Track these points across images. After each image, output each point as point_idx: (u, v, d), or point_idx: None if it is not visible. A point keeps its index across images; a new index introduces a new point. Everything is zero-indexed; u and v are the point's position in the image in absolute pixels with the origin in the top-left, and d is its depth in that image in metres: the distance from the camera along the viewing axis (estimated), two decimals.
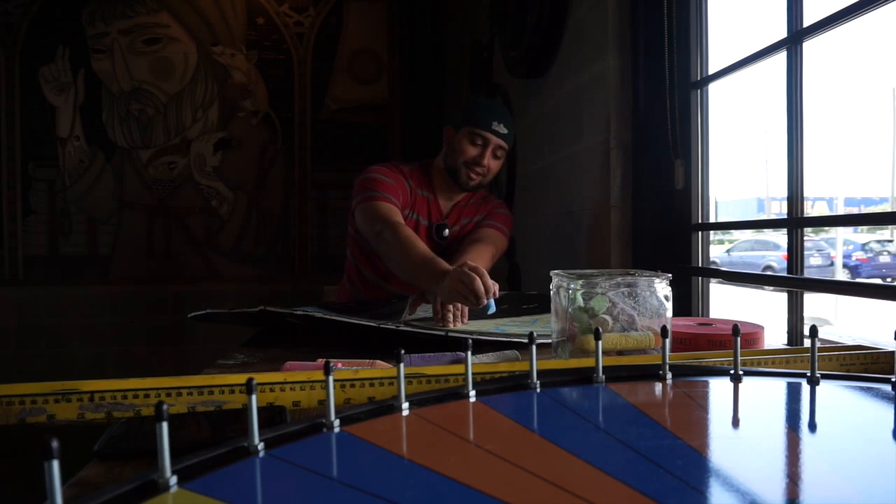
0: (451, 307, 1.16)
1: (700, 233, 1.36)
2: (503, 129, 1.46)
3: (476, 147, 1.47)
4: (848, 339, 0.90)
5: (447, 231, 1.55)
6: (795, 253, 1.09)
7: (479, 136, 1.46)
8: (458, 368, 0.63)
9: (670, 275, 0.80)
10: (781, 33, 1.07)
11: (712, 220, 1.39)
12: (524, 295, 1.54)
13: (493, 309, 1.03)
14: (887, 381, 0.57)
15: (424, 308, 1.33)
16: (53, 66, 3.20)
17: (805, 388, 0.56)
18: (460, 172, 1.49)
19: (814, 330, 0.56)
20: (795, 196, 1.07)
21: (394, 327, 0.99)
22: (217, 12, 3.29)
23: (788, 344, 1.08)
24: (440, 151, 1.56)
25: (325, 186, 3.39)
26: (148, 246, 3.30)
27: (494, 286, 1.05)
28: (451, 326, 1.14)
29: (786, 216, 1.09)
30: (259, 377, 0.59)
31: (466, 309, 1.19)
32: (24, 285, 3.23)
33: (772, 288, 2.14)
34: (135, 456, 0.49)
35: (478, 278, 1.03)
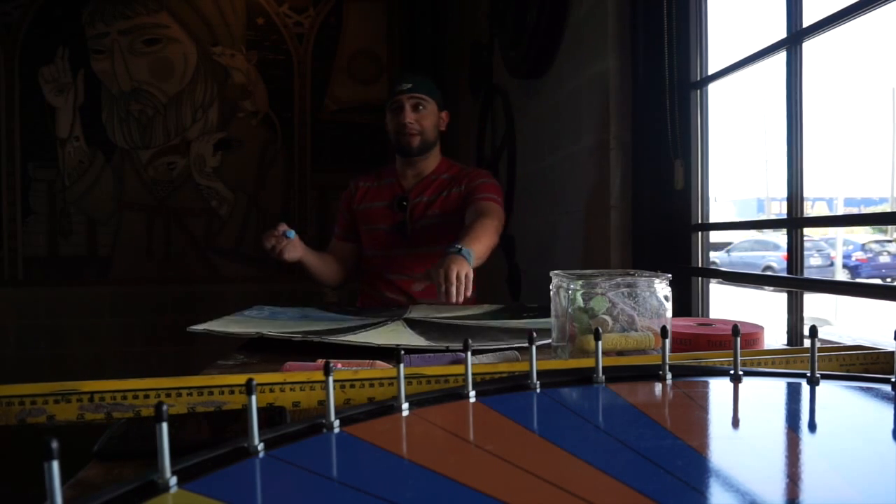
0: (454, 282, 1.21)
1: (700, 233, 1.36)
2: (407, 84, 1.60)
3: (395, 113, 1.62)
4: (848, 339, 0.89)
5: (406, 203, 1.68)
6: (795, 253, 1.09)
7: (393, 102, 1.62)
8: (458, 369, 0.63)
9: (670, 275, 0.79)
10: (781, 33, 1.07)
11: (712, 220, 1.39)
12: (525, 306, 1.55)
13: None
14: (887, 381, 0.57)
15: (424, 308, 1.33)
16: (53, 67, 3.20)
17: (805, 388, 0.56)
18: (399, 142, 1.65)
19: (814, 330, 0.56)
20: (795, 196, 1.07)
21: (395, 346, 0.98)
22: (217, 12, 3.29)
23: (788, 344, 1.08)
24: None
25: (325, 186, 3.39)
26: (148, 246, 3.30)
27: (460, 301, 1.20)
28: (456, 300, 1.19)
29: (785, 216, 1.09)
30: (259, 377, 0.59)
31: (470, 281, 1.24)
32: (24, 285, 3.23)
33: (772, 288, 2.14)
34: (135, 456, 0.49)
35: (463, 289, 1.20)
